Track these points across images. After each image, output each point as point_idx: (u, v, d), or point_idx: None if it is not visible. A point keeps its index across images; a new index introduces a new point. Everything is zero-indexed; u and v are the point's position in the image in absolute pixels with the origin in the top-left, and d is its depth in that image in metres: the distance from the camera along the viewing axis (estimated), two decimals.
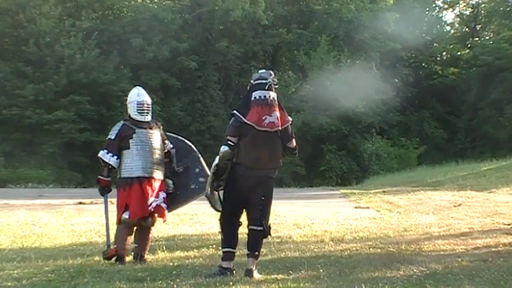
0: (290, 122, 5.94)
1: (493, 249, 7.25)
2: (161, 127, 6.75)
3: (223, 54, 33.97)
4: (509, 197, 13.56)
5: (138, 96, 6.59)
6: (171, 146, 6.71)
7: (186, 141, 6.95)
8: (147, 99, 6.60)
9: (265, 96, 5.78)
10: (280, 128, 5.78)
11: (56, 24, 30.22)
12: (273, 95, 5.83)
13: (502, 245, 7.45)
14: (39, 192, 16.39)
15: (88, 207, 11.88)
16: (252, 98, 5.79)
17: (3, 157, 26.13)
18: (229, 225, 5.84)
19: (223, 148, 5.74)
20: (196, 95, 32.74)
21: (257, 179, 5.71)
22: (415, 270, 5.91)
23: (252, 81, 5.94)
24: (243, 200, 5.77)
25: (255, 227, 5.78)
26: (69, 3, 33.34)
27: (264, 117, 5.71)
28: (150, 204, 6.40)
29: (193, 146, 6.91)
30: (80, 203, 12.70)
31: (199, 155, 6.83)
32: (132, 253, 6.57)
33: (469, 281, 5.44)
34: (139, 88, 6.76)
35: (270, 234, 5.94)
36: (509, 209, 11.41)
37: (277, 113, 5.78)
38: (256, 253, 5.81)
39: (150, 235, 6.70)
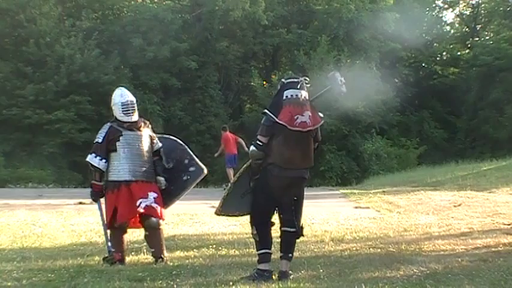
0: (322, 122, 5.85)
1: (493, 249, 7.25)
2: (150, 126, 6.70)
3: (223, 54, 33.95)
4: (509, 197, 13.53)
5: (121, 97, 6.52)
6: (160, 144, 6.67)
7: (171, 137, 6.99)
8: (131, 98, 6.55)
9: (297, 95, 5.65)
10: (312, 128, 5.68)
11: (56, 24, 30.17)
12: (304, 94, 5.72)
13: (502, 245, 7.45)
14: (39, 192, 16.33)
15: (88, 207, 11.84)
16: (284, 97, 5.65)
17: (3, 157, 26.04)
18: (263, 226, 5.70)
19: (250, 148, 5.69)
20: (196, 95, 32.71)
21: (291, 179, 5.60)
22: (415, 270, 5.91)
23: (283, 80, 5.87)
24: (276, 201, 5.67)
25: (288, 229, 5.71)
26: (69, 3, 33.30)
27: (296, 117, 5.57)
28: (139, 205, 6.32)
29: (178, 140, 6.91)
30: (80, 203, 12.67)
31: (186, 147, 6.85)
32: (132, 254, 6.57)
33: (469, 281, 5.44)
34: (122, 88, 6.71)
35: (302, 234, 5.85)
36: (509, 209, 11.39)
37: (309, 112, 5.66)
38: (290, 255, 5.73)
39: (162, 235, 6.62)
